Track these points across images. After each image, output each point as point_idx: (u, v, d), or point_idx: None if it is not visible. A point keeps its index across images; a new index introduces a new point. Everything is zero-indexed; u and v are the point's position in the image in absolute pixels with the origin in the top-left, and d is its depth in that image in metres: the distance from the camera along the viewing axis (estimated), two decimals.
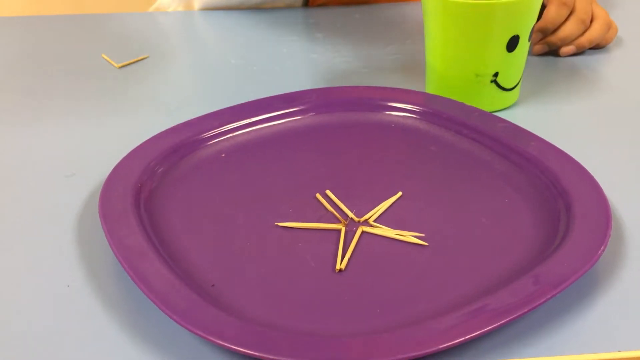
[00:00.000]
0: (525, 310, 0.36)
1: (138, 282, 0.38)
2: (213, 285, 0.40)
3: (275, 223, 0.46)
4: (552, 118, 0.61)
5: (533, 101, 0.63)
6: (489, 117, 0.56)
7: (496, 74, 0.59)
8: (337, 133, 0.57)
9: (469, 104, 0.58)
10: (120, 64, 0.72)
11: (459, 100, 0.59)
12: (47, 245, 0.45)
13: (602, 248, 0.40)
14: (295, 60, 0.75)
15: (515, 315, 0.36)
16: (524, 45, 0.59)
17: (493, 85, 0.59)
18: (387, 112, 0.59)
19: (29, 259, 0.44)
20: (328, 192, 0.48)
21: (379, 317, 0.38)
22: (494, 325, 0.35)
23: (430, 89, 0.63)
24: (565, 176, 0.47)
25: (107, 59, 0.74)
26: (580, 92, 0.65)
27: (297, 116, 0.58)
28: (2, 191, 0.52)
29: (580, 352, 0.37)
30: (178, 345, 0.37)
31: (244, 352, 0.34)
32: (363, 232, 0.45)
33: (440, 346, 0.34)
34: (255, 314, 0.38)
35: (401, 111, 0.58)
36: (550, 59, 0.72)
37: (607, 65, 0.71)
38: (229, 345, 0.34)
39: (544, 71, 0.70)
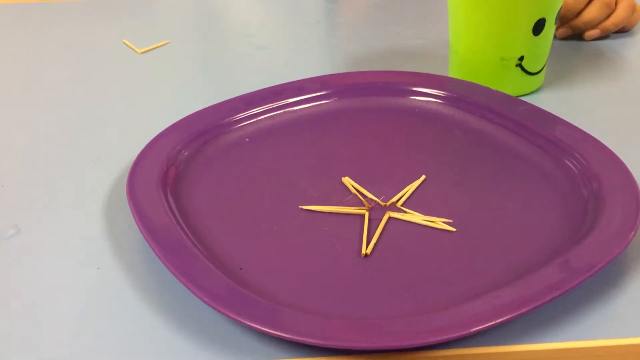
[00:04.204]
0: (556, 294, 0.36)
1: (168, 265, 0.38)
2: (241, 268, 0.40)
3: (300, 206, 0.46)
4: (577, 103, 0.60)
5: (558, 86, 0.63)
6: (514, 101, 0.55)
7: (521, 58, 0.58)
8: (360, 118, 0.56)
9: (494, 88, 0.58)
10: (142, 50, 0.73)
11: (483, 84, 0.58)
12: (75, 230, 0.46)
13: (633, 233, 0.39)
14: (316, 45, 0.74)
15: (545, 300, 0.36)
16: (550, 29, 0.58)
17: (518, 69, 0.59)
18: (411, 97, 0.58)
19: (58, 244, 0.44)
20: (349, 179, 0.48)
21: (407, 301, 0.38)
22: (523, 310, 0.35)
23: (454, 73, 0.62)
24: (594, 160, 0.47)
25: (129, 44, 0.74)
26: (606, 76, 0.64)
27: (320, 101, 0.58)
28: (28, 177, 0.52)
29: (610, 337, 0.36)
30: (208, 325, 0.37)
31: (276, 334, 0.34)
32: (390, 218, 0.44)
33: (471, 330, 0.34)
34: (284, 297, 0.38)
35: (425, 96, 0.58)
36: (575, 43, 0.71)
37: (632, 48, 0.70)
38: (261, 328, 0.34)
39: (569, 55, 0.69)
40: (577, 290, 0.38)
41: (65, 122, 0.60)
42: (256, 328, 0.35)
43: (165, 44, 0.74)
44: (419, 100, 0.58)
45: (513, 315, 0.35)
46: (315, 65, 0.69)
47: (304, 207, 0.46)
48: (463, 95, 0.57)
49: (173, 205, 0.45)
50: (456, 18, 0.59)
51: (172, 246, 0.40)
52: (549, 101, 0.60)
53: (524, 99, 0.60)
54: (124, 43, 0.75)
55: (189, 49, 0.75)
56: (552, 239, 0.42)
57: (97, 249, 0.44)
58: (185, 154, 0.50)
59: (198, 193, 0.47)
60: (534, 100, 0.60)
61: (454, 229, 0.43)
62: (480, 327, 0.34)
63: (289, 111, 0.57)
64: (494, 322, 0.35)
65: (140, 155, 0.48)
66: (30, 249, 0.44)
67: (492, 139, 0.53)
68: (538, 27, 0.57)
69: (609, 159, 0.46)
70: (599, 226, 0.40)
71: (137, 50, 0.73)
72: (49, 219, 0.47)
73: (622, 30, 0.73)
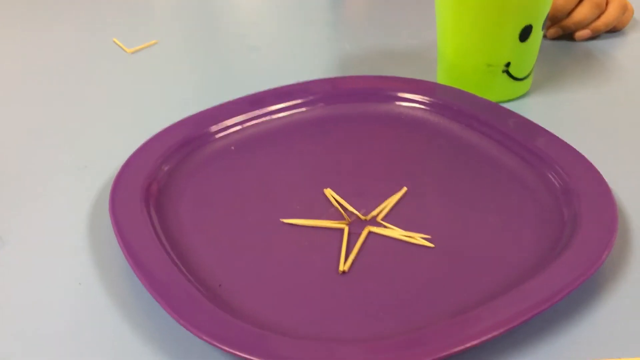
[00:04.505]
0: (527, 317, 0.36)
1: (147, 285, 0.39)
2: (220, 285, 0.41)
3: (281, 220, 0.46)
4: (564, 108, 0.60)
5: (546, 89, 0.62)
6: (501, 110, 0.55)
7: (508, 64, 0.58)
8: (346, 125, 0.57)
9: (480, 93, 0.58)
10: (131, 50, 0.72)
11: (470, 90, 0.58)
12: (59, 242, 0.46)
13: (607, 253, 0.40)
14: (307, 45, 0.74)
15: (515, 324, 0.36)
16: (537, 35, 0.58)
17: (505, 75, 0.59)
18: (397, 103, 0.58)
19: (41, 257, 0.45)
20: (331, 191, 0.48)
21: (381, 321, 0.38)
22: (492, 335, 0.35)
23: (442, 78, 0.62)
24: (576, 176, 0.47)
25: (119, 43, 0.74)
26: (595, 79, 0.64)
27: (306, 107, 0.58)
28: (13, 186, 0.52)
29: (583, 359, 0.37)
30: (186, 344, 0.38)
31: (247, 357, 0.35)
32: (369, 232, 0.45)
33: (441, 354, 0.35)
34: (260, 316, 0.38)
35: (411, 102, 0.58)
36: (565, 43, 0.71)
37: (622, 49, 0.70)
38: (231, 350, 0.35)
39: (558, 56, 0.69)
40: (549, 311, 0.39)
41: (51, 126, 0.60)
42: (228, 351, 0.35)
43: (154, 43, 0.74)
44: (405, 106, 0.58)
45: (482, 340, 0.35)
46: (306, 66, 0.68)
47: (285, 221, 0.46)
48: (449, 102, 0.57)
49: (155, 221, 0.45)
50: (443, 24, 0.59)
51: (152, 266, 0.40)
52: (536, 106, 0.60)
53: (510, 103, 0.60)
54: (114, 42, 0.75)
55: (180, 48, 0.75)
56: (528, 257, 0.42)
57: (80, 263, 0.44)
58: (168, 166, 0.50)
59: (181, 206, 0.47)
60: (521, 104, 0.60)
61: (432, 245, 0.44)
62: (448, 352, 0.35)
63: (275, 118, 0.57)
64: (462, 347, 0.35)
65: (122, 169, 0.48)
66: (13, 261, 0.45)
67: (476, 149, 0.53)
68: (525, 34, 0.57)
69: (590, 175, 0.46)
70: (573, 245, 0.41)
71: (127, 50, 0.72)
72: (34, 231, 0.47)
73: (613, 30, 0.73)
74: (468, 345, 0.35)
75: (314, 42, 0.75)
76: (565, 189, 0.46)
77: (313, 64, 0.69)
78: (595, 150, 0.51)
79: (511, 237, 0.44)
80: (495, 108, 0.55)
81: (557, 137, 0.51)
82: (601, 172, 0.47)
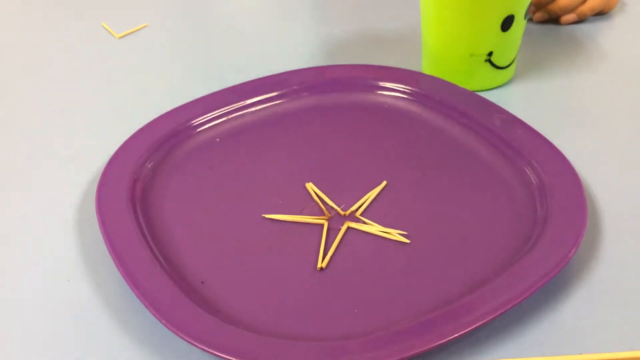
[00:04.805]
0: (496, 315, 0.38)
1: (131, 285, 0.40)
2: (202, 282, 0.42)
3: (263, 215, 0.47)
4: (547, 96, 0.60)
5: (529, 76, 0.63)
6: (483, 102, 0.56)
7: (490, 54, 0.59)
8: (330, 115, 0.57)
9: (464, 82, 0.59)
10: (120, 34, 0.73)
11: (454, 78, 0.59)
12: (47, 238, 0.47)
13: (573, 251, 0.41)
14: (293, 30, 0.74)
15: (489, 318, 0.38)
16: (519, 24, 0.58)
17: (487, 64, 0.59)
18: (380, 92, 0.59)
19: (29, 254, 0.46)
20: (312, 185, 0.49)
21: (357, 318, 0.40)
22: (468, 329, 0.37)
23: (426, 67, 0.63)
24: (549, 172, 0.48)
25: (108, 28, 0.74)
26: (579, 64, 0.65)
27: (289, 97, 0.59)
28: (3, 178, 0.53)
29: (551, 354, 0.38)
30: (169, 340, 0.39)
31: (223, 356, 0.36)
32: (348, 228, 0.46)
33: (416, 350, 0.36)
34: (240, 313, 0.40)
35: (394, 91, 0.59)
36: (551, 27, 0.71)
37: (609, 34, 0.70)
38: (208, 349, 0.37)
39: (544, 41, 0.69)
40: (517, 307, 0.40)
41: (38, 115, 0.60)
42: (207, 350, 0.37)
43: (143, 27, 0.74)
44: (388, 95, 0.59)
45: (455, 336, 0.37)
46: (291, 52, 0.69)
47: (267, 216, 0.47)
48: (432, 93, 0.58)
49: (141, 219, 0.46)
50: (427, 14, 0.59)
51: (137, 265, 0.42)
52: (519, 94, 0.61)
53: (494, 92, 0.61)
54: (103, 26, 0.75)
55: (168, 32, 0.75)
56: (501, 254, 0.43)
57: (69, 260, 0.45)
58: (151, 164, 0.51)
59: (166, 202, 0.49)
60: (505, 92, 0.61)
61: (408, 241, 0.45)
62: (424, 348, 0.36)
63: (260, 109, 0.58)
64: (438, 343, 0.37)
65: (107, 166, 0.50)
66: (1, 256, 0.46)
67: (456, 142, 0.53)
68: (506, 24, 0.57)
69: (565, 172, 0.47)
70: (542, 243, 0.42)
71: (115, 35, 0.73)
72: (21, 225, 0.48)
73: (600, 13, 0.73)
74: (443, 341, 0.37)
75: (299, 26, 0.75)
76: (540, 185, 0.47)
77: (297, 50, 0.69)
78: (573, 140, 0.52)
79: (486, 233, 0.45)
80: (477, 100, 0.56)
81: (536, 131, 0.52)
82: (578, 164, 0.48)
